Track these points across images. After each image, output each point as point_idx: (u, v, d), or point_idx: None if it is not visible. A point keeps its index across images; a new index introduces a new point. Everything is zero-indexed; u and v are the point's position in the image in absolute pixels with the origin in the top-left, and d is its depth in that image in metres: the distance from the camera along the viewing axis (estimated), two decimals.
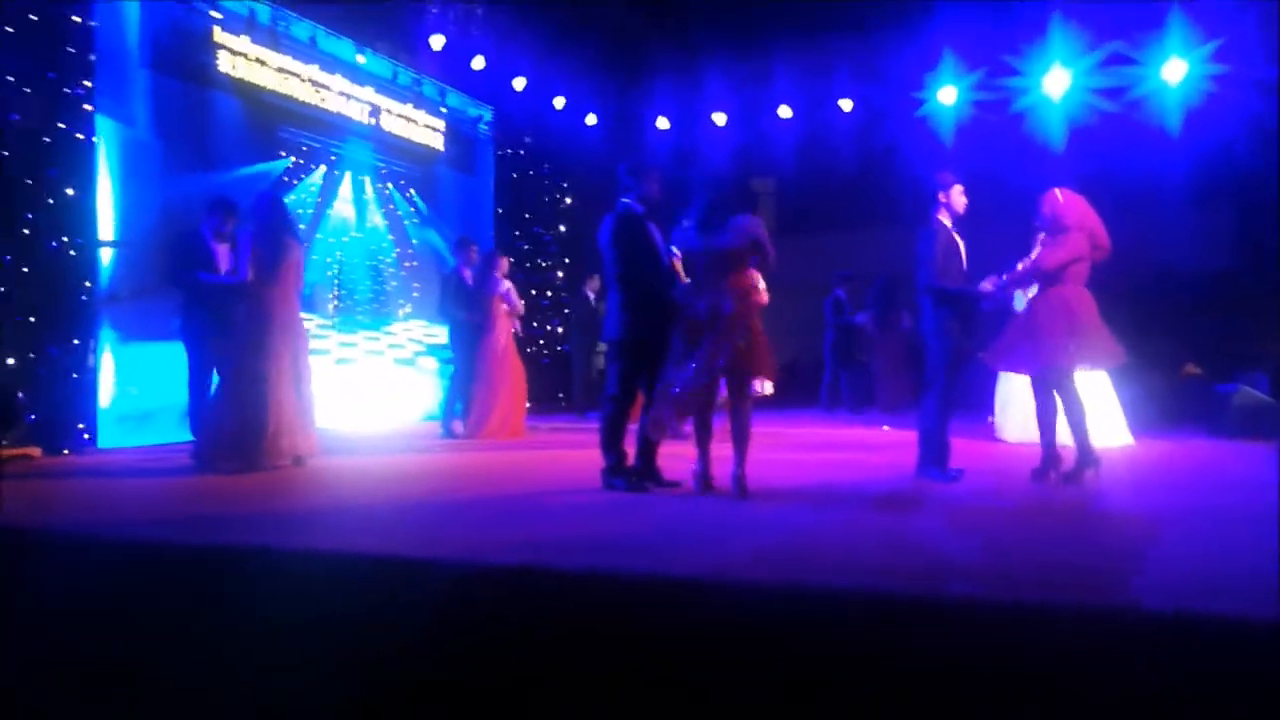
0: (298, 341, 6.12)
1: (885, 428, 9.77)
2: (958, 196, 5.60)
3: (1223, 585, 2.96)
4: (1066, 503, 4.81)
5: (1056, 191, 5.54)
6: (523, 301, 8.74)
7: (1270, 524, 3.69)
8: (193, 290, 6.39)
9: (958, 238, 5.59)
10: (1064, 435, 5.50)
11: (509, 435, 8.43)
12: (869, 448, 7.64)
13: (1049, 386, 5.48)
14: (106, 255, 7.20)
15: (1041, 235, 5.69)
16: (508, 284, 8.50)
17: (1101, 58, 10.01)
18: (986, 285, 5.61)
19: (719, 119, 12.16)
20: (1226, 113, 9.73)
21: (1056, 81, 10.19)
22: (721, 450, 5.08)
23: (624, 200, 5.28)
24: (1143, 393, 7.12)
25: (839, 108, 11.54)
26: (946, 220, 5.57)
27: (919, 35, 11.11)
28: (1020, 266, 5.60)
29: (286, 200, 7.30)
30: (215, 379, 6.25)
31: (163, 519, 4.43)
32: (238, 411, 5.81)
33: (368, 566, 3.42)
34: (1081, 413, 5.44)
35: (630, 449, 5.27)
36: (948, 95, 10.80)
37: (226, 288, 6.23)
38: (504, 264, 8.59)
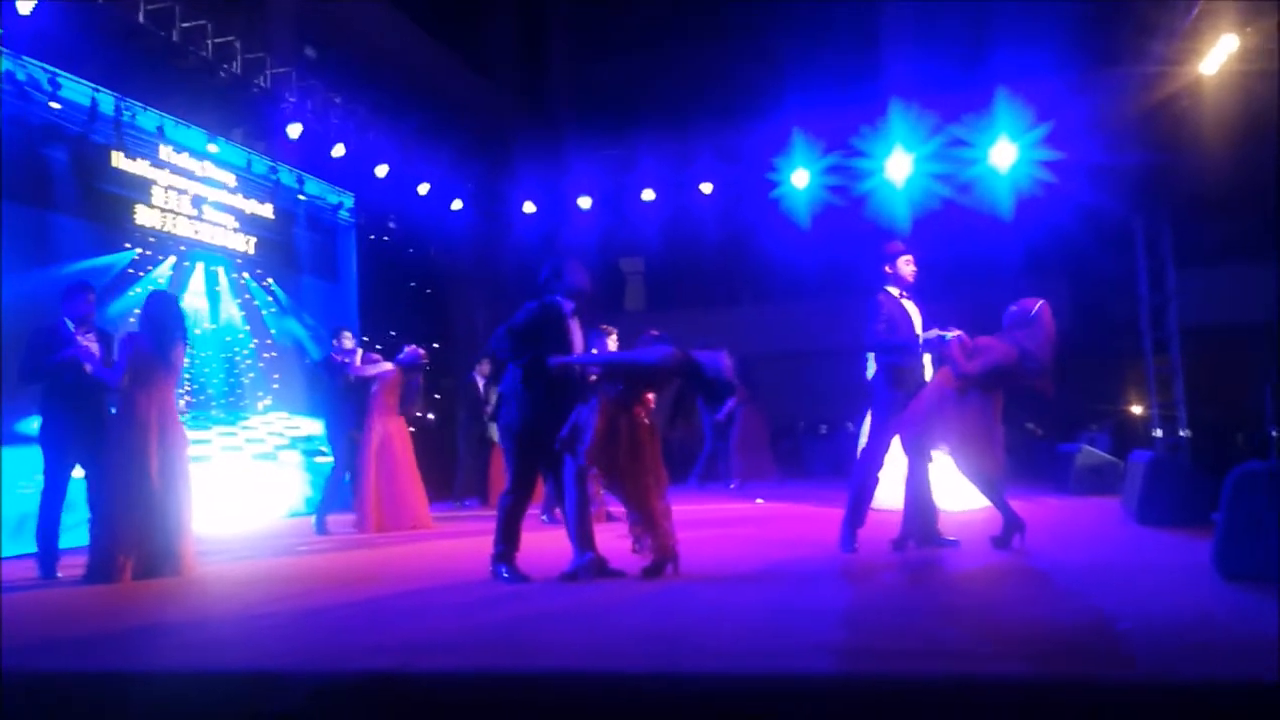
0: (176, 448, 5.74)
1: (759, 500, 9.93)
2: (904, 266, 5.75)
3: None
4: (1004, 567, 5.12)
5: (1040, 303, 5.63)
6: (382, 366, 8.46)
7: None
8: (55, 381, 5.69)
9: (907, 303, 5.69)
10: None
11: (412, 526, 8.12)
12: (759, 522, 7.78)
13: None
14: None
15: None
16: (372, 368, 8.33)
17: (942, 142, 10.61)
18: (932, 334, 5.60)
19: (584, 203, 12.35)
20: (1059, 193, 10.45)
21: (899, 165, 10.75)
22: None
23: (555, 297, 5.17)
24: None
25: (700, 191, 11.89)
26: (894, 290, 5.72)
27: (771, 119, 11.62)
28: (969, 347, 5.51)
29: (179, 299, 6.98)
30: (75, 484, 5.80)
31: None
32: (112, 518, 5.50)
33: (217, 684, 3.20)
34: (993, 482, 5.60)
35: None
36: (800, 178, 11.26)
37: (97, 380, 5.64)
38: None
